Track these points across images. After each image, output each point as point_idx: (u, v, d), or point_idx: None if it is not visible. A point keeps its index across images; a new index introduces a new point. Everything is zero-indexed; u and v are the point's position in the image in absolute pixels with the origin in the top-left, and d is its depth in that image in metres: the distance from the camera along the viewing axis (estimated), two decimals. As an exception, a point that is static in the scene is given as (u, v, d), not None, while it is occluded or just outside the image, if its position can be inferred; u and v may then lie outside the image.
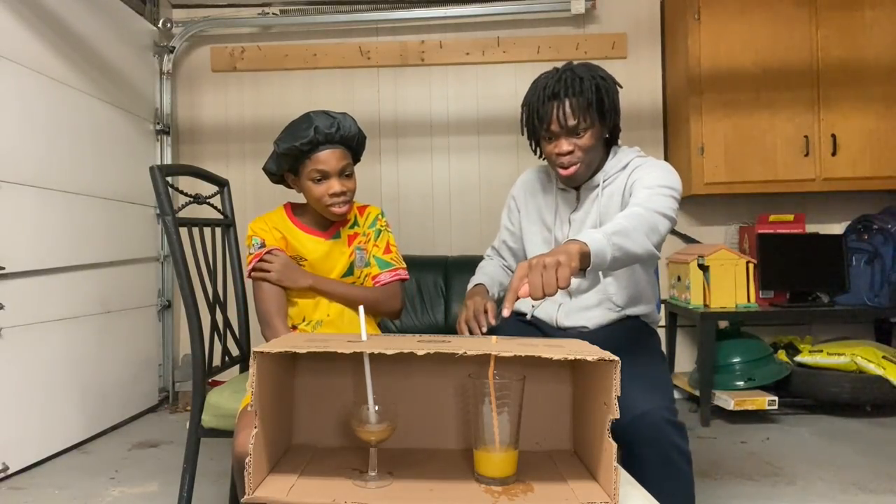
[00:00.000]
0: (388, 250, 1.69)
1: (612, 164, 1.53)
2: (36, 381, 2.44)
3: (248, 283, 1.70)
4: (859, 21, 3.10)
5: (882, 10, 3.09)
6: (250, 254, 1.61)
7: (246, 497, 0.81)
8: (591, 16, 3.47)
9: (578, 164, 1.45)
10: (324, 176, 1.53)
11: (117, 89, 3.07)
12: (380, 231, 1.69)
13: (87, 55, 2.83)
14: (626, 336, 1.52)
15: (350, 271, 1.64)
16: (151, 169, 1.64)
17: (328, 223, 1.64)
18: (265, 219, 1.65)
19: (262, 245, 1.60)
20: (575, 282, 1.52)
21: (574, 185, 1.55)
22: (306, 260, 1.62)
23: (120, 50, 3.10)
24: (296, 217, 1.66)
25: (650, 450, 1.22)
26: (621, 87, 1.51)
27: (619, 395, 0.81)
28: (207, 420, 1.61)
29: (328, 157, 1.52)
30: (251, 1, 3.49)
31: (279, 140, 1.54)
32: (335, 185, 1.53)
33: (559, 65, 1.53)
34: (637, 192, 1.41)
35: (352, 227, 1.67)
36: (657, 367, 1.44)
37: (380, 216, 1.71)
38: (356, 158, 1.63)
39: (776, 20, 3.11)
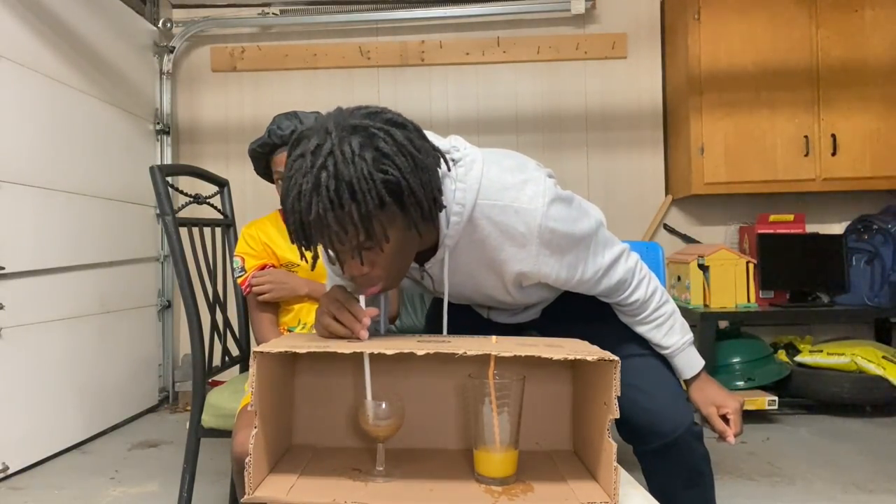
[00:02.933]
0: None
1: (451, 234, 1.04)
2: (36, 381, 2.44)
3: None
4: (859, 21, 3.10)
5: (882, 10, 3.09)
6: (237, 276, 1.63)
7: (246, 497, 0.81)
8: (591, 16, 3.47)
9: (382, 282, 0.98)
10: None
11: (117, 89, 3.07)
12: None
13: (87, 55, 2.83)
14: (582, 305, 1.27)
15: None
16: (151, 169, 1.64)
17: None
18: (256, 225, 1.66)
19: (243, 269, 1.61)
20: (507, 316, 1.34)
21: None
22: (299, 266, 1.62)
23: (120, 50, 3.10)
24: None
25: (680, 466, 1.21)
26: (422, 140, 0.96)
27: (619, 394, 0.81)
28: (207, 420, 1.61)
29: (284, 159, 1.52)
30: (251, 1, 3.49)
31: (250, 142, 1.58)
32: None
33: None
34: (598, 287, 1.15)
35: None
36: (642, 342, 1.26)
37: None
38: None
39: (776, 20, 3.11)
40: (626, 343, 1.25)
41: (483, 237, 1.04)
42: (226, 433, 1.59)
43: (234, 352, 1.87)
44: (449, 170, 1.02)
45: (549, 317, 1.35)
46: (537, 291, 1.20)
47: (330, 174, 0.86)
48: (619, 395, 0.81)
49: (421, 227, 0.96)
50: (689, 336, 1.27)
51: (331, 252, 0.95)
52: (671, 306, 1.24)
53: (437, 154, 0.99)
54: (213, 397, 1.62)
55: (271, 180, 1.64)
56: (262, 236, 1.63)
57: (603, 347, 0.98)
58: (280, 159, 1.54)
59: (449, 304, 1.21)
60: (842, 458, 2.35)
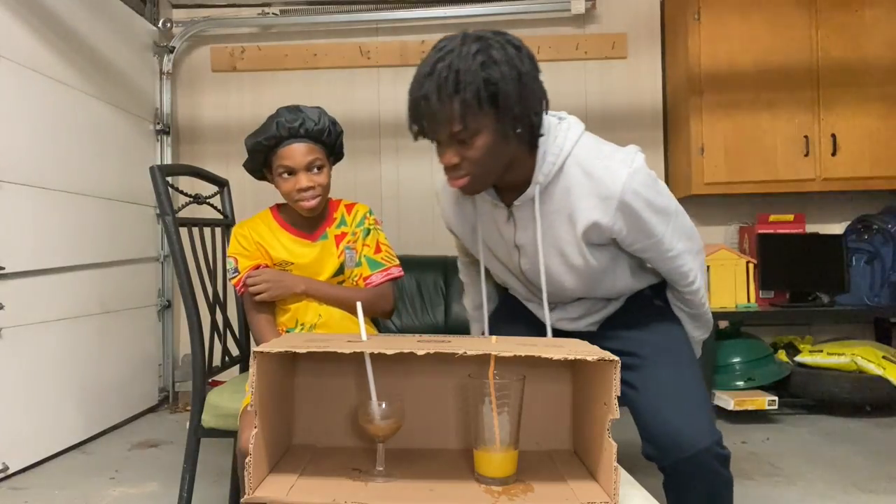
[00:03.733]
0: (378, 249, 1.66)
1: (544, 171, 1.17)
2: (36, 381, 2.44)
3: None
4: (859, 21, 3.10)
5: (882, 10, 3.09)
6: (231, 277, 1.61)
7: (246, 497, 0.81)
8: (591, 16, 3.47)
9: (468, 178, 1.12)
10: (290, 171, 1.52)
11: (117, 89, 3.07)
12: (368, 230, 1.66)
13: (87, 55, 2.83)
14: (642, 320, 1.35)
15: (340, 271, 1.62)
16: (151, 169, 1.64)
17: (315, 223, 1.62)
18: (248, 225, 1.63)
19: (236, 270, 1.59)
20: (576, 308, 1.39)
21: (473, 193, 1.20)
22: (293, 264, 1.60)
23: (120, 50, 3.10)
24: (282, 218, 1.64)
25: (698, 485, 1.19)
26: (536, 68, 1.11)
27: (618, 396, 0.81)
28: (207, 420, 1.61)
29: (292, 152, 1.50)
30: (251, 1, 3.49)
31: (248, 136, 1.54)
32: (302, 179, 1.51)
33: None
34: (665, 263, 1.24)
35: (339, 225, 1.65)
36: (686, 361, 1.29)
37: (368, 214, 1.69)
38: (333, 153, 1.60)
39: (776, 20, 3.11)
40: (664, 354, 1.29)
41: (570, 185, 1.17)
42: (225, 433, 1.59)
43: (234, 352, 1.87)
44: (546, 113, 1.16)
45: (605, 328, 1.40)
46: (603, 259, 1.25)
47: (445, 65, 1.04)
48: (619, 395, 0.81)
49: (511, 139, 1.10)
50: (706, 334, 1.40)
51: (428, 136, 1.10)
52: (709, 315, 1.39)
53: (542, 88, 1.13)
54: (213, 397, 1.62)
55: (262, 177, 1.62)
56: (255, 236, 1.61)
57: (642, 353, 1.21)
58: (287, 151, 1.51)
59: (507, 310, 1.42)
60: (842, 458, 2.35)
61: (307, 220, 1.61)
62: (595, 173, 1.15)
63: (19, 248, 2.35)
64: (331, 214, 1.65)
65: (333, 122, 1.57)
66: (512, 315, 1.48)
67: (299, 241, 1.61)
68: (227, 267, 1.63)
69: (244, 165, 1.61)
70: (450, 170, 1.13)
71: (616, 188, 1.14)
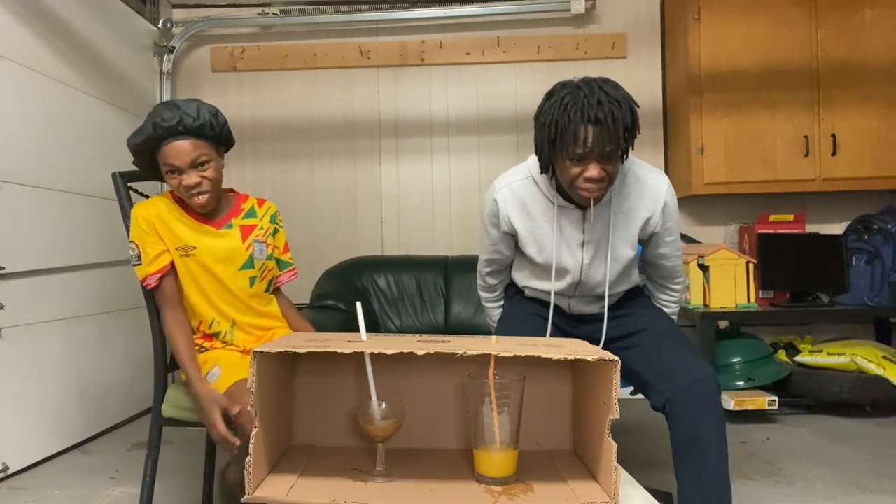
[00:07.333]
0: (286, 250, 1.73)
1: (617, 181, 1.49)
2: (36, 381, 2.44)
3: None
4: (859, 21, 3.10)
5: (882, 10, 3.09)
6: (133, 265, 1.54)
7: (246, 497, 0.81)
8: (591, 16, 3.47)
9: (603, 191, 1.40)
10: (175, 170, 1.48)
11: (117, 89, 3.07)
12: (277, 230, 1.70)
13: (87, 55, 2.83)
14: (639, 305, 1.67)
15: (250, 264, 1.59)
16: (113, 175, 1.65)
17: (217, 213, 1.60)
18: (147, 206, 1.55)
19: (139, 259, 1.52)
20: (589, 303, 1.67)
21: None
22: (195, 249, 1.54)
23: (120, 50, 3.10)
24: (183, 204, 1.59)
25: (700, 412, 1.31)
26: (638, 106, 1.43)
27: (618, 394, 0.82)
28: (167, 410, 1.64)
29: (175, 151, 1.46)
30: (251, 1, 3.49)
31: (129, 137, 1.48)
32: (189, 177, 1.47)
33: (566, 72, 1.50)
34: (672, 260, 1.64)
35: (246, 216, 1.63)
36: (677, 327, 1.60)
37: (277, 214, 1.72)
38: (221, 143, 1.56)
39: (776, 20, 3.11)
40: (660, 321, 1.61)
41: (628, 192, 1.51)
42: (182, 423, 1.63)
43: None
44: None
45: (612, 309, 1.66)
46: (633, 254, 1.56)
47: (603, 95, 1.31)
48: (618, 395, 0.81)
49: (621, 161, 1.40)
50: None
51: (579, 152, 1.33)
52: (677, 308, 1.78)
53: None
54: (173, 390, 1.66)
55: (156, 176, 1.58)
56: (154, 218, 1.53)
57: (643, 323, 1.54)
58: (170, 151, 1.46)
59: (514, 315, 1.68)
60: (842, 458, 2.35)
61: (212, 210, 1.59)
62: (647, 181, 1.51)
63: (19, 248, 2.35)
64: (237, 205, 1.64)
65: (215, 114, 1.52)
66: (519, 319, 1.67)
67: (202, 227, 1.57)
68: (131, 254, 1.53)
69: (134, 164, 1.57)
70: (593, 182, 1.36)
71: (662, 191, 1.51)
